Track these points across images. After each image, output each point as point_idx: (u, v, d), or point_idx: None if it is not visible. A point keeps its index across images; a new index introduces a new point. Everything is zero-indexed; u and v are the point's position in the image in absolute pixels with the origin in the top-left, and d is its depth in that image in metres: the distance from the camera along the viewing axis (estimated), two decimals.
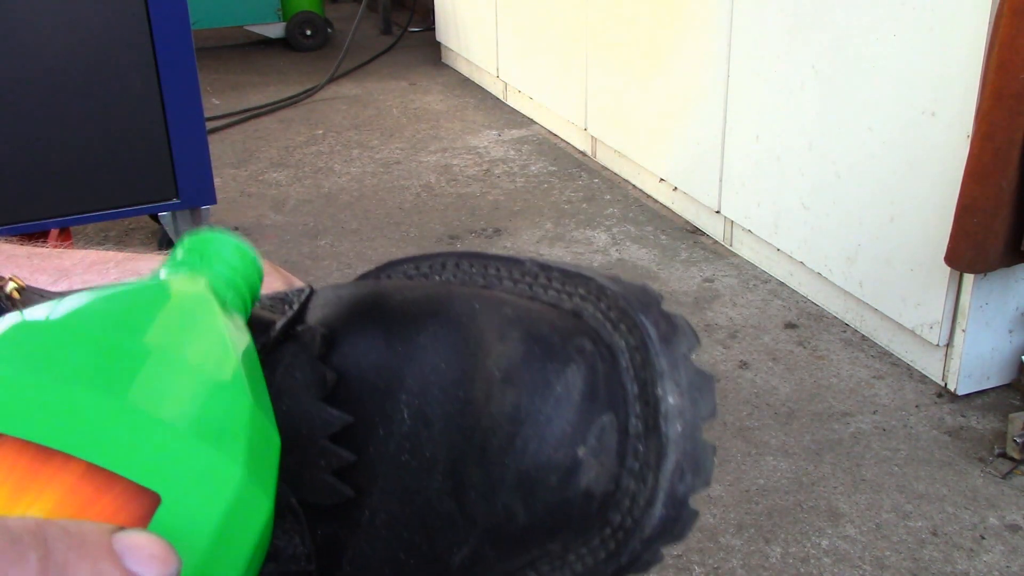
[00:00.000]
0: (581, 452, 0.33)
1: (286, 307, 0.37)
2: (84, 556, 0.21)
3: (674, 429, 0.33)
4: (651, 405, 0.33)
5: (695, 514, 0.33)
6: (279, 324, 0.35)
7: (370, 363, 0.35)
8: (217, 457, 0.25)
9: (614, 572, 0.34)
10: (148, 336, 0.27)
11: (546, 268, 0.37)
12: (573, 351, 0.34)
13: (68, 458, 0.22)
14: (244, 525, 0.26)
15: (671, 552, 1.40)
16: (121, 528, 0.22)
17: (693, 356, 0.34)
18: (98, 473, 0.23)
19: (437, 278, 0.39)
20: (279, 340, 0.35)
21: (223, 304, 0.32)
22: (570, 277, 0.37)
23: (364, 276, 0.41)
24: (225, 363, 0.28)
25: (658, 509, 0.33)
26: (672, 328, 0.34)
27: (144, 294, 0.30)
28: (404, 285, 0.38)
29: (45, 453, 0.22)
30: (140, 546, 0.22)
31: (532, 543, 0.34)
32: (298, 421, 0.33)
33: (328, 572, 0.35)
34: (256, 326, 0.35)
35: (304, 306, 0.37)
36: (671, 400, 0.33)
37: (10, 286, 0.33)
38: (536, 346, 0.34)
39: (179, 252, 0.34)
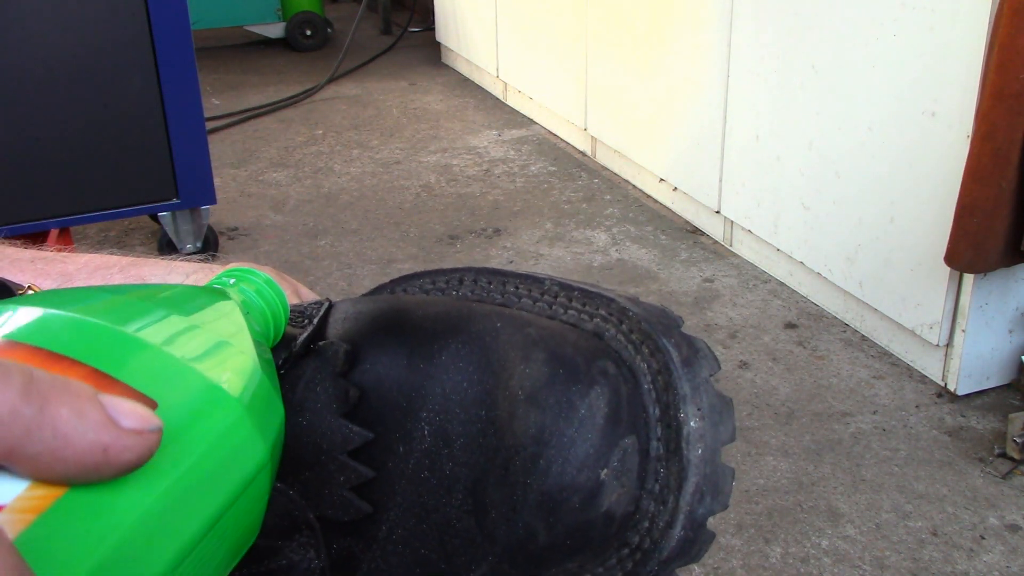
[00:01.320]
0: (604, 474, 0.33)
1: (305, 321, 0.37)
2: (67, 393, 0.21)
3: (695, 452, 0.33)
4: (673, 428, 0.33)
5: (712, 536, 0.34)
6: (300, 339, 0.35)
7: (391, 380, 0.35)
8: (217, 389, 0.26)
9: None
10: (172, 303, 0.29)
11: (566, 287, 0.38)
12: (597, 374, 0.34)
13: (74, 362, 0.24)
14: (235, 462, 0.26)
15: None
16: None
17: (714, 380, 0.34)
18: (101, 377, 0.24)
19: (454, 293, 0.39)
20: (300, 355, 0.35)
21: (246, 319, 0.33)
22: (591, 297, 0.37)
23: (379, 289, 0.41)
24: (239, 336, 0.29)
25: (677, 531, 0.33)
26: (694, 352, 0.35)
27: (177, 287, 0.31)
28: (424, 301, 0.38)
29: (55, 358, 0.24)
30: (123, 402, 0.22)
31: (550, 562, 0.34)
32: (318, 436, 0.33)
33: None
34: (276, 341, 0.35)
35: (324, 320, 0.37)
36: (693, 424, 0.33)
37: (30, 295, 0.34)
38: (561, 368, 0.34)
39: (221, 276, 0.35)
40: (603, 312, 0.37)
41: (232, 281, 0.34)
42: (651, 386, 0.34)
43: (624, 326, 0.36)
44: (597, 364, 0.34)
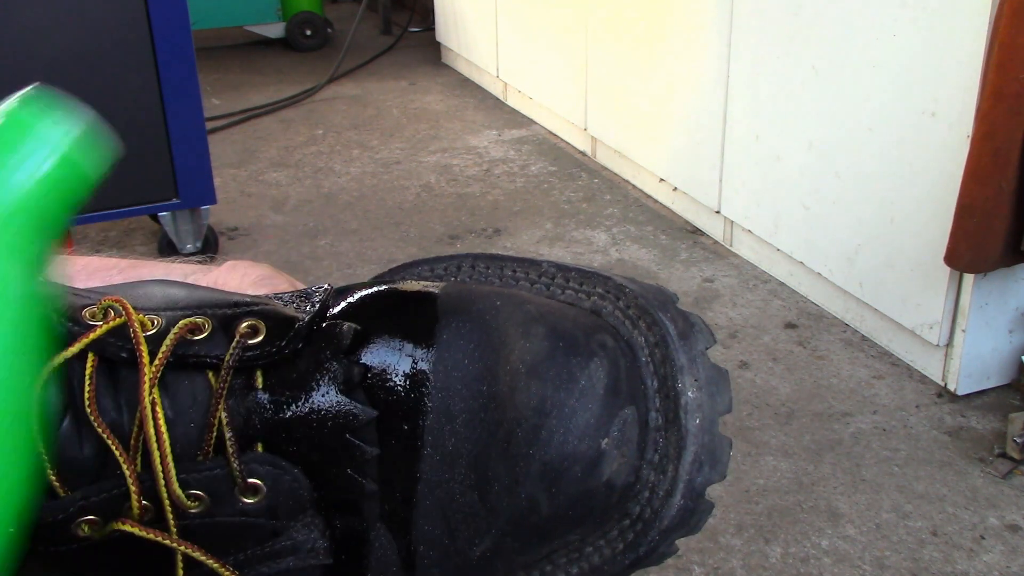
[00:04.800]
0: (604, 443, 0.34)
1: (308, 304, 0.37)
2: None
3: (693, 422, 0.34)
4: (671, 399, 0.34)
5: (711, 506, 0.35)
6: (305, 320, 0.35)
7: (393, 359, 0.35)
8: None
9: (631, 563, 0.34)
10: None
11: (563, 268, 0.38)
12: (596, 346, 0.35)
13: None
14: None
15: None
16: None
17: (709, 352, 0.35)
18: None
19: (453, 279, 0.40)
20: (304, 336, 0.35)
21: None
22: (588, 277, 0.38)
23: (379, 277, 0.41)
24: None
25: (677, 500, 0.33)
26: (689, 325, 0.35)
27: None
28: (425, 284, 0.39)
29: None
30: None
31: (553, 534, 0.35)
32: (323, 415, 0.34)
33: (347, 565, 0.35)
34: (280, 322, 0.35)
35: (326, 302, 0.37)
36: (690, 394, 0.34)
37: None
38: (560, 341, 0.35)
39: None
40: (600, 290, 0.37)
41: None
42: (649, 359, 0.35)
43: (621, 302, 0.36)
44: (596, 337, 0.35)
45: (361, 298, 0.38)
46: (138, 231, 2.59)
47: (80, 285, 0.42)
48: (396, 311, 0.36)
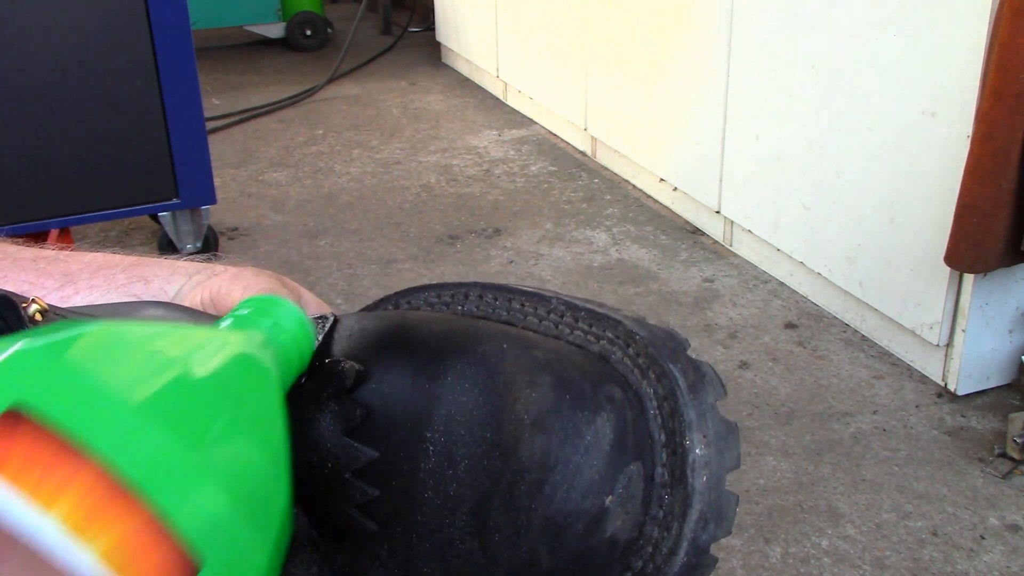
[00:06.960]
0: (608, 501, 0.33)
1: None
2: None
3: (700, 480, 0.33)
4: (678, 455, 0.34)
5: (715, 560, 0.34)
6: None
7: (397, 399, 0.35)
8: (256, 538, 0.25)
9: None
10: (216, 390, 0.26)
11: (573, 307, 0.38)
12: (603, 399, 0.34)
13: (136, 500, 0.22)
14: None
15: None
16: None
17: (719, 404, 0.35)
18: (156, 526, 0.22)
19: (460, 308, 0.39)
20: (306, 371, 0.34)
21: (274, 360, 0.32)
22: (598, 319, 0.37)
23: (384, 300, 0.40)
24: (275, 439, 0.28)
25: (680, 558, 0.33)
26: (700, 377, 0.35)
27: (214, 342, 0.29)
28: (430, 318, 0.38)
29: (117, 489, 0.21)
30: None
31: None
32: (324, 454, 0.33)
33: None
34: None
35: (330, 337, 0.37)
36: (698, 451, 0.33)
37: (33, 308, 0.33)
38: (567, 393, 0.34)
39: (244, 308, 0.34)
40: (610, 334, 0.36)
41: (248, 312, 0.33)
42: (657, 412, 0.34)
43: (631, 349, 0.36)
44: (603, 389, 0.34)
45: (364, 332, 0.37)
46: (138, 231, 2.59)
47: (83, 283, 0.42)
48: (400, 348, 0.36)
